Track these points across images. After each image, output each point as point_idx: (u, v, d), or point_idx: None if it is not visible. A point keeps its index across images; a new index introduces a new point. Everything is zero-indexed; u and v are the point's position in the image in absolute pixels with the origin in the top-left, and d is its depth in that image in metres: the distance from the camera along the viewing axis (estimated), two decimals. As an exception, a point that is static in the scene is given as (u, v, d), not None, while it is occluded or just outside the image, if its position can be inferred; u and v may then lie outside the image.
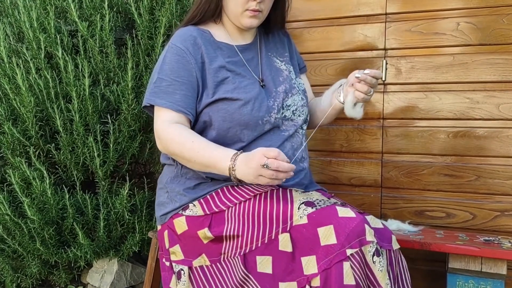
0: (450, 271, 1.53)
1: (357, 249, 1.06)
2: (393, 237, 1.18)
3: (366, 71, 1.24)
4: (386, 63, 1.91)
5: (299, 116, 1.36)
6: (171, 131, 1.24)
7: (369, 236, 1.08)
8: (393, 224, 1.71)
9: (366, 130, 1.96)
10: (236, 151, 1.17)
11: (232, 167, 1.14)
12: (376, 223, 1.19)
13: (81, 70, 1.77)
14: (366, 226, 1.09)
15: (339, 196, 1.93)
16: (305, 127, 1.40)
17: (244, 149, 1.26)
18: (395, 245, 1.17)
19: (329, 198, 1.32)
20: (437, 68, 1.83)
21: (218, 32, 1.36)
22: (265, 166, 1.07)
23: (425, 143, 1.86)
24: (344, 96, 1.31)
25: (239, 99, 1.23)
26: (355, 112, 1.29)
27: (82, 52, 1.85)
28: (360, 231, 1.07)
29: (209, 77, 1.28)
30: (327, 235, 1.08)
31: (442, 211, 1.83)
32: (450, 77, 1.82)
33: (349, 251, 1.05)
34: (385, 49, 1.92)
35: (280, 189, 1.25)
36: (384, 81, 1.91)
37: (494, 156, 1.76)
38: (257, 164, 1.08)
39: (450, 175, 1.82)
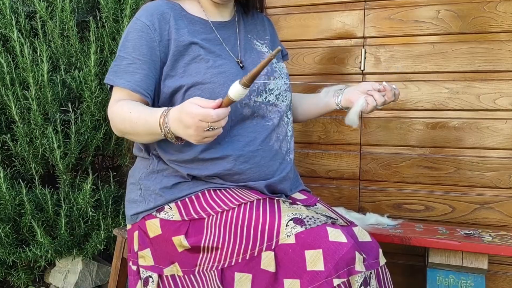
0: (430, 266, 1.49)
1: (345, 279, 0.98)
2: (380, 252, 1.11)
3: (393, 85, 1.29)
4: (365, 52, 1.85)
5: (282, 101, 1.27)
6: (115, 109, 1.15)
7: (359, 265, 1.00)
8: (371, 218, 1.66)
9: (344, 121, 1.89)
10: (164, 108, 1.06)
11: (165, 127, 1.04)
12: (364, 235, 1.12)
13: (40, 54, 1.63)
14: (357, 253, 1.01)
15: (316, 190, 1.88)
16: (290, 116, 1.31)
17: (225, 138, 1.17)
18: (382, 260, 1.11)
19: (315, 204, 1.24)
20: (416, 57, 1.78)
21: (191, 7, 1.25)
22: (210, 129, 0.98)
23: (404, 135, 1.81)
24: (349, 101, 1.32)
25: (213, 82, 1.13)
26: (357, 118, 1.30)
27: (41, 35, 1.71)
28: (349, 259, 0.99)
29: (176, 57, 1.17)
30: (314, 260, 0.99)
31: (421, 204, 1.79)
32: (430, 67, 1.77)
33: (336, 281, 0.97)
34: (364, 37, 1.86)
35: (267, 199, 1.15)
36: (362, 70, 1.85)
37: (473, 147, 1.72)
38: (198, 130, 0.98)
39: (429, 167, 1.78)
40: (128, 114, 1.11)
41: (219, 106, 0.98)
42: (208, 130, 0.98)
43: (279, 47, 0.93)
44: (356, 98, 1.29)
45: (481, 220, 1.71)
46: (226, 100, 0.98)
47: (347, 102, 1.33)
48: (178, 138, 1.06)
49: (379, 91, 1.27)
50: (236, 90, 0.96)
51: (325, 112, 1.44)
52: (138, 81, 1.15)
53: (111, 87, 1.21)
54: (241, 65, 1.23)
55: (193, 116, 0.97)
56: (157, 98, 1.20)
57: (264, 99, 1.22)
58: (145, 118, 1.09)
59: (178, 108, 1.02)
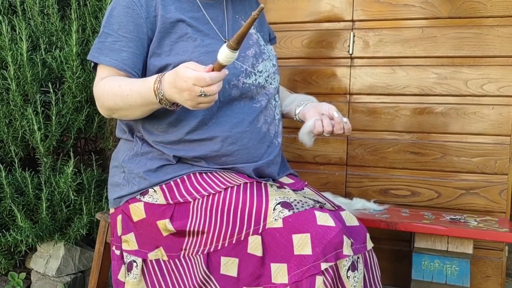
0: (416, 251, 1.50)
1: (332, 263, 0.97)
2: (368, 237, 1.11)
3: (344, 119, 1.21)
4: (354, 36, 1.82)
5: (270, 84, 1.24)
6: (101, 85, 1.11)
7: (346, 249, 0.99)
8: (358, 203, 1.66)
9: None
10: (158, 75, 1.03)
11: (159, 94, 1.01)
12: (351, 219, 1.11)
13: (18, 32, 1.57)
14: (345, 237, 1.00)
15: (303, 175, 1.86)
16: (277, 99, 1.29)
17: (212, 120, 1.14)
18: (369, 245, 1.10)
19: (302, 188, 1.23)
20: (405, 41, 1.77)
21: None
22: (202, 95, 0.95)
23: (391, 120, 1.80)
24: (304, 117, 1.27)
25: (200, 61, 1.09)
26: (308, 138, 1.24)
27: (19, 12, 1.64)
28: (337, 243, 0.98)
29: (163, 34, 1.13)
30: (302, 244, 0.98)
31: (407, 190, 1.79)
32: (419, 51, 1.76)
33: (323, 265, 0.96)
34: (352, 20, 1.83)
35: (255, 182, 1.13)
36: (351, 54, 1.83)
37: (460, 133, 1.73)
38: (192, 94, 0.95)
39: (415, 153, 1.78)
40: (118, 88, 1.07)
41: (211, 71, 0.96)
42: (201, 95, 0.95)
43: (262, 5, 0.90)
44: (309, 116, 1.24)
45: (467, 205, 1.72)
46: (217, 65, 0.96)
47: (303, 116, 1.28)
48: (173, 104, 1.03)
49: (332, 118, 1.21)
50: (224, 54, 0.93)
51: (287, 118, 1.39)
52: (125, 59, 1.11)
53: (94, 65, 1.17)
54: None
55: (186, 80, 0.95)
56: (143, 76, 1.16)
57: (254, 81, 1.19)
58: (138, 89, 1.05)
59: (172, 72, 0.99)
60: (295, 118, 1.33)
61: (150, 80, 1.03)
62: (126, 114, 1.12)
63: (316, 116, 1.22)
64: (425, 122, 1.76)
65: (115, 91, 1.07)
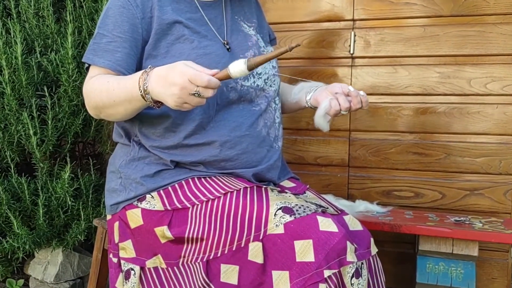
0: (420, 253, 1.47)
1: (336, 271, 0.94)
2: (372, 241, 1.08)
3: (361, 92, 1.18)
4: (355, 35, 1.80)
5: (270, 86, 1.21)
6: (90, 83, 1.09)
7: (350, 255, 0.97)
8: (361, 205, 1.63)
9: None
10: (146, 68, 1.00)
11: (143, 85, 0.97)
12: (355, 224, 1.08)
13: (13, 35, 1.55)
14: (348, 243, 0.97)
15: (304, 177, 1.84)
16: (277, 102, 1.26)
17: (210, 123, 1.11)
18: (374, 250, 1.08)
19: (304, 192, 1.20)
20: (407, 40, 1.74)
21: None
22: (195, 94, 0.93)
23: (393, 120, 1.78)
24: (316, 101, 1.23)
25: (198, 63, 1.06)
26: (324, 121, 1.20)
27: (14, 15, 1.62)
28: (341, 249, 0.95)
29: (159, 36, 1.11)
30: (304, 251, 0.95)
31: (410, 191, 1.76)
32: (421, 50, 1.73)
33: (326, 273, 0.93)
34: (353, 20, 1.81)
35: (255, 187, 1.10)
36: (352, 54, 1.80)
37: (464, 133, 1.70)
38: (184, 91, 0.93)
39: (419, 153, 1.75)
40: (106, 84, 1.05)
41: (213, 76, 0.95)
42: (193, 94, 0.93)
43: (299, 43, 0.92)
44: (323, 99, 1.20)
45: (471, 206, 1.69)
46: (223, 73, 0.94)
47: (315, 101, 1.24)
48: (156, 102, 1.00)
49: (347, 95, 1.19)
50: (239, 69, 0.92)
51: (297, 109, 1.35)
52: (119, 60, 1.09)
53: (88, 67, 1.14)
54: (227, 47, 1.17)
55: (183, 75, 0.92)
56: None
57: (252, 84, 1.16)
58: (124, 83, 1.02)
59: (167, 66, 0.97)
60: (306, 106, 1.29)
61: (138, 73, 1.01)
62: (111, 113, 1.09)
63: (330, 96, 1.19)
64: (428, 122, 1.74)
65: (103, 87, 1.05)
